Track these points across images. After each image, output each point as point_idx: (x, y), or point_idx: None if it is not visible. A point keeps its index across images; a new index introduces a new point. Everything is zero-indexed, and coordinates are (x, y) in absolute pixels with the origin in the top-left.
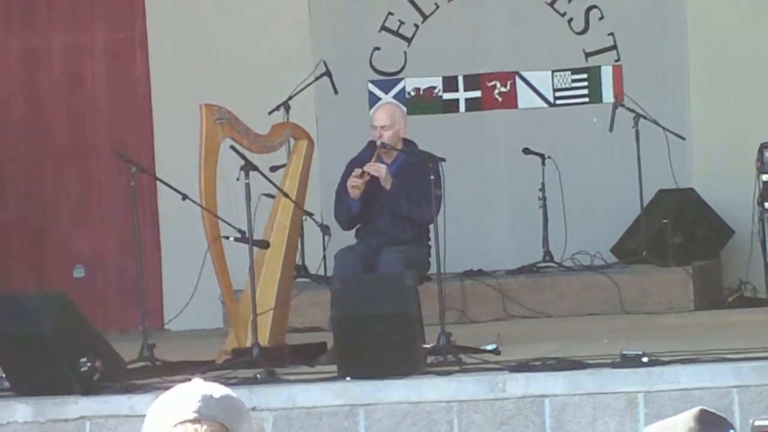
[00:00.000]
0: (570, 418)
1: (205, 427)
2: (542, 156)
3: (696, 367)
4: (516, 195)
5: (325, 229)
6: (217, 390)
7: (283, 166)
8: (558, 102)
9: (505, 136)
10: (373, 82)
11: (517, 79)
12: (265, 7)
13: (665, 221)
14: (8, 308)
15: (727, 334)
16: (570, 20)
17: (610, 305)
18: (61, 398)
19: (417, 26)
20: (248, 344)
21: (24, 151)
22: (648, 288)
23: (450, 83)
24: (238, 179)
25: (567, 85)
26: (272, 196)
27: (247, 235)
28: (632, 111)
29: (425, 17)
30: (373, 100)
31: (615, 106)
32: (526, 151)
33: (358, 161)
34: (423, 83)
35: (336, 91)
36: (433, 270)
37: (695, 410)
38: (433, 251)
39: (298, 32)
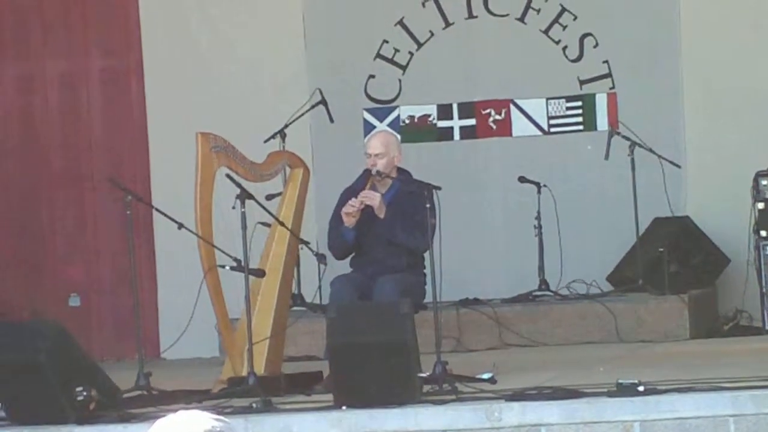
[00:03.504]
0: None
1: None
2: (537, 184)
3: (692, 396)
4: (511, 223)
5: (320, 258)
6: (199, 427)
7: (279, 194)
8: (552, 130)
9: (500, 164)
10: (368, 110)
11: (512, 107)
12: (261, 35)
13: (661, 249)
14: (4, 336)
15: (723, 363)
16: (564, 48)
17: (606, 334)
18: (56, 427)
19: (412, 54)
20: (244, 373)
21: (19, 179)
22: (644, 316)
23: (445, 111)
24: (233, 208)
25: (562, 113)
26: (268, 225)
27: (242, 264)
28: (627, 139)
29: (420, 45)
30: (368, 128)
31: (610, 134)
32: (522, 179)
33: (352, 191)
34: (418, 111)
35: (331, 120)
36: (428, 298)
37: None
38: (428, 279)
39: (293, 60)
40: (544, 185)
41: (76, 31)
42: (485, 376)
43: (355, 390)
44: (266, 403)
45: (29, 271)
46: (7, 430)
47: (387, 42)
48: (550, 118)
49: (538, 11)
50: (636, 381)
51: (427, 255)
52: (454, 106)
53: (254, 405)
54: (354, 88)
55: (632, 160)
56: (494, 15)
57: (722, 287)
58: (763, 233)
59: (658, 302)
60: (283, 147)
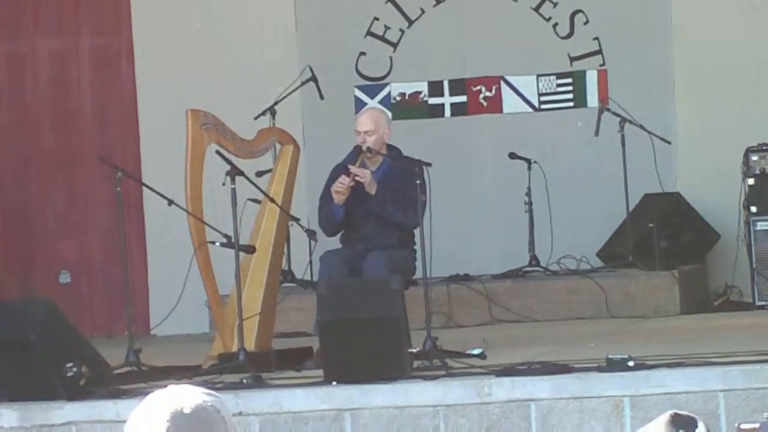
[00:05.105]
0: (556, 422)
1: None
2: (528, 160)
3: (682, 370)
4: (502, 199)
5: (311, 234)
6: (190, 401)
7: (269, 171)
8: (543, 106)
9: (490, 140)
10: (359, 87)
11: (503, 84)
12: (252, 12)
13: (651, 225)
14: None
15: (713, 338)
16: (555, 25)
17: (596, 309)
18: (47, 403)
19: (403, 31)
20: (234, 349)
21: (10, 157)
22: (634, 292)
23: (435, 88)
24: (224, 184)
25: (552, 90)
26: (258, 202)
27: (233, 240)
28: (618, 115)
29: (411, 22)
30: (359, 105)
31: (600, 111)
32: (512, 155)
33: (343, 167)
34: (408, 88)
35: (322, 97)
36: (419, 274)
37: (666, 415)
38: (419, 255)
39: (284, 37)
40: (535, 161)
41: (67, 9)
42: (475, 351)
43: (346, 366)
44: (256, 378)
45: (20, 248)
46: None
47: (378, 19)
48: (540, 94)
49: None
50: (626, 356)
51: (417, 231)
52: (445, 83)
53: (245, 381)
54: (345, 65)
55: (622, 137)
56: None
57: (712, 263)
58: (753, 209)
59: (648, 278)
60: (273, 124)
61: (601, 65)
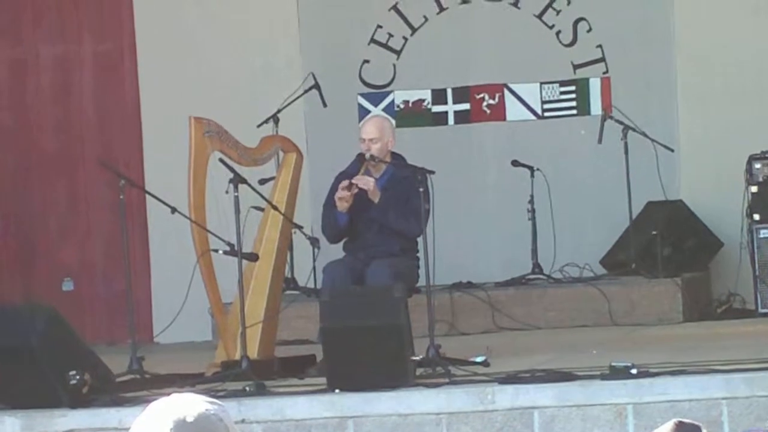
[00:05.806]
0: (559, 430)
1: None
2: (531, 168)
3: (685, 378)
4: (505, 207)
5: (314, 242)
6: (193, 410)
7: (272, 179)
8: (546, 114)
9: (493, 148)
10: (362, 94)
11: (506, 92)
12: (255, 19)
13: (654, 233)
14: None
15: (716, 346)
16: (558, 32)
17: (599, 317)
18: (50, 411)
19: (406, 39)
20: (237, 357)
21: (12, 163)
22: (637, 300)
23: (439, 96)
24: (227, 192)
25: (555, 98)
26: (261, 209)
27: (236, 248)
28: (621, 123)
29: (414, 30)
30: (363, 112)
31: (603, 118)
32: (515, 163)
33: (346, 174)
34: (412, 96)
35: (325, 104)
36: (422, 282)
37: (670, 423)
38: (422, 263)
39: (287, 45)
40: (538, 169)
41: (69, 14)
42: (478, 359)
43: (349, 373)
44: (259, 386)
45: (22, 254)
46: (0, 413)
47: (381, 27)
48: (543, 102)
49: None
50: (629, 364)
51: (420, 239)
52: (449, 91)
53: (247, 388)
54: (348, 72)
55: (625, 144)
56: (488, 0)
57: (715, 270)
58: (756, 216)
59: (651, 285)
60: (277, 131)
61: (604, 73)
